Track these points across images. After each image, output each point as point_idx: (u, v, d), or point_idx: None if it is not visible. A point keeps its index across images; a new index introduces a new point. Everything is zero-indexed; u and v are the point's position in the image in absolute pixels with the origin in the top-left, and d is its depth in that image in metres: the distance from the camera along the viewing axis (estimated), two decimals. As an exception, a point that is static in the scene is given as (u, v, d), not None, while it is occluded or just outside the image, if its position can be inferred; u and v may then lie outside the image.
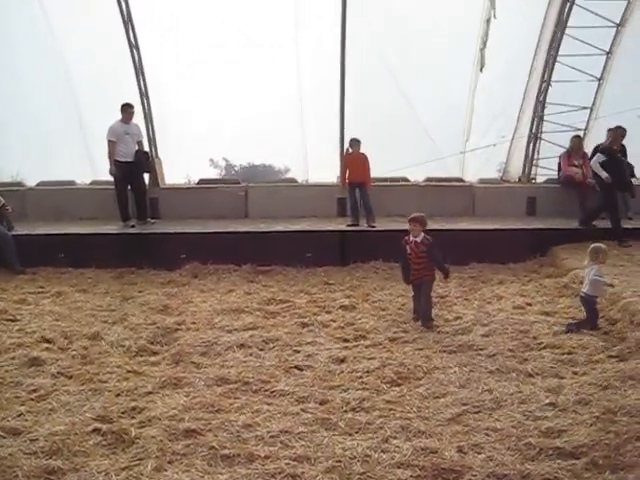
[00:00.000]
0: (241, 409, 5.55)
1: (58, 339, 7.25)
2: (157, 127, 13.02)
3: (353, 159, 11.61)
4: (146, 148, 12.35)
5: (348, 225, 11.47)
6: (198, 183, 13.32)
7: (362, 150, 11.54)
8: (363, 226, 11.42)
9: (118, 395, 5.83)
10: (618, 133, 11.38)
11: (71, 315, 8.22)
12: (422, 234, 7.76)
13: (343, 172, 11.75)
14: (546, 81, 12.78)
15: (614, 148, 11.20)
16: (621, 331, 7.28)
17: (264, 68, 12.55)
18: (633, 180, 12.39)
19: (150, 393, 5.88)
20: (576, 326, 7.43)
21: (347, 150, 11.73)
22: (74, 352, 6.89)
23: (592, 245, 7.68)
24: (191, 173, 14.01)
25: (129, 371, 6.40)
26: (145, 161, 11.98)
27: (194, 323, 7.99)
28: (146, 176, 12.22)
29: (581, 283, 8.84)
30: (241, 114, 12.68)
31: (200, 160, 13.90)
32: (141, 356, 6.90)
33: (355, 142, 11.56)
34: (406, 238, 7.90)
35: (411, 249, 7.81)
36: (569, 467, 4.53)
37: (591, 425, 5.12)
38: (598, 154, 11.05)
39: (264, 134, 12.75)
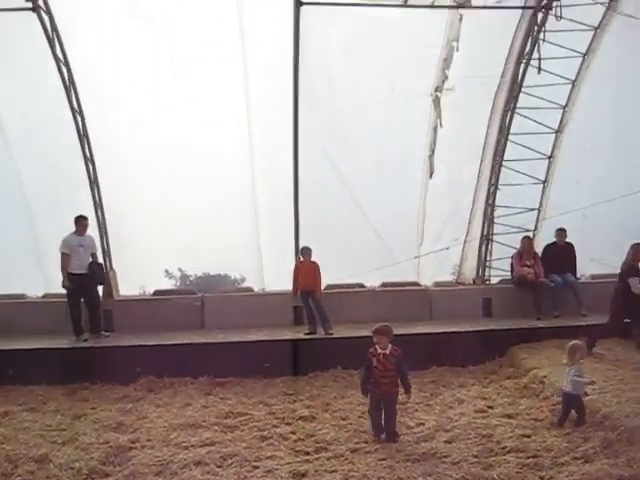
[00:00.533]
0: (198, 533, 5.27)
1: (2, 464, 6.86)
2: (111, 238, 12.97)
3: (304, 268, 11.67)
4: (100, 260, 12.23)
5: (305, 334, 11.37)
6: (153, 294, 13.17)
7: (314, 258, 11.62)
8: (320, 334, 11.35)
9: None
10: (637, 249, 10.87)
11: (17, 436, 7.80)
12: (390, 345, 7.34)
13: (294, 281, 11.76)
14: (494, 185, 13.21)
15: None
16: (584, 431, 7.22)
17: (218, 186, 12.71)
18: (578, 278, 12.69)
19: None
20: (558, 422, 7.52)
21: (299, 259, 11.82)
22: (19, 478, 6.52)
23: (570, 343, 7.72)
24: (146, 284, 13.87)
25: (78, 497, 6.06)
26: (99, 273, 11.84)
27: (149, 440, 7.68)
28: (100, 288, 12.05)
29: (541, 383, 8.89)
30: (195, 225, 12.71)
31: (155, 271, 13.77)
32: (92, 479, 6.56)
33: (306, 250, 11.69)
34: (372, 350, 7.39)
35: (378, 362, 7.29)
36: None
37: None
38: (631, 279, 10.25)
39: (219, 243, 12.75)
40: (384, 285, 13.07)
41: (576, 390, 7.48)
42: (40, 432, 8.05)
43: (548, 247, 12.83)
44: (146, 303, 12.99)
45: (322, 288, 11.96)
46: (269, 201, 12.86)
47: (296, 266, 11.91)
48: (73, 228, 11.53)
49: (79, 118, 12.24)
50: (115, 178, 12.67)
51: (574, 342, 7.74)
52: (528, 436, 7.29)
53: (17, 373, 10.13)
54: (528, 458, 6.64)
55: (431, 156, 13.09)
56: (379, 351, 7.30)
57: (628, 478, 5.92)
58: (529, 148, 12.91)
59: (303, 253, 11.72)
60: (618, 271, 10.48)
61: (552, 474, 6.22)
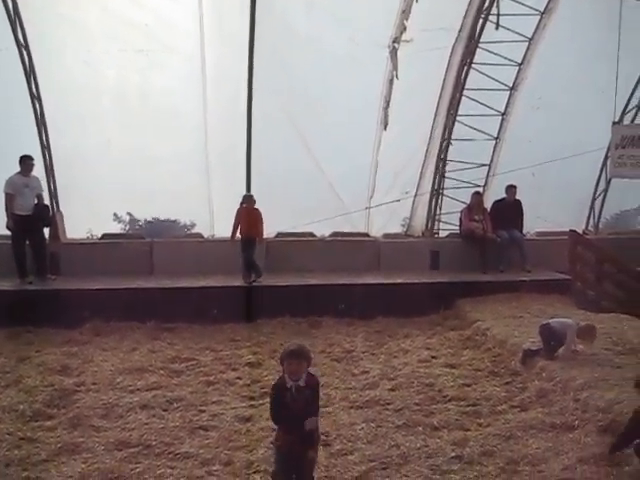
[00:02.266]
0: (143, 474, 5.35)
1: (-57, 406, 6.80)
2: (58, 179, 12.67)
3: (246, 214, 11.53)
4: (47, 202, 11.96)
5: (251, 282, 11.30)
6: (101, 238, 12.96)
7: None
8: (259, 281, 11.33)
9: (8, 465, 5.50)
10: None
11: (-41, 379, 7.74)
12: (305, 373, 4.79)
13: (234, 227, 11.60)
14: (447, 139, 13.26)
15: None
16: (522, 381, 7.49)
17: (170, 131, 12.47)
18: (524, 234, 12.97)
19: (45, 461, 5.58)
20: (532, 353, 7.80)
21: (241, 205, 11.65)
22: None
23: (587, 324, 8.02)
24: (94, 228, 13.61)
25: (22, 438, 6.06)
26: (45, 215, 11.59)
27: (94, 384, 7.69)
28: (46, 230, 11.80)
29: (484, 335, 9.13)
30: (145, 166, 12.46)
31: (103, 214, 13.50)
32: (36, 421, 6.55)
33: (248, 198, 11.59)
34: (279, 383, 4.83)
35: (293, 398, 4.69)
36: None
37: (496, 477, 5.20)
38: None
39: (169, 187, 12.57)
40: (334, 235, 13.13)
41: (563, 330, 7.79)
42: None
43: (497, 203, 13.01)
44: (94, 247, 12.78)
45: (267, 236, 11.98)
46: (222, 149, 12.68)
47: (238, 212, 11.68)
48: (18, 168, 11.22)
49: (25, 52, 11.76)
50: (64, 118, 12.29)
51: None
52: (469, 385, 7.54)
53: (-42, 316, 9.93)
54: (468, 406, 6.89)
55: (386, 108, 13.04)
56: (289, 384, 4.71)
57: (560, 425, 6.20)
58: (483, 104, 12.96)
59: (245, 200, 11.58)
60: (563, 229, 10.71)
61: (490, 421, 6.47)
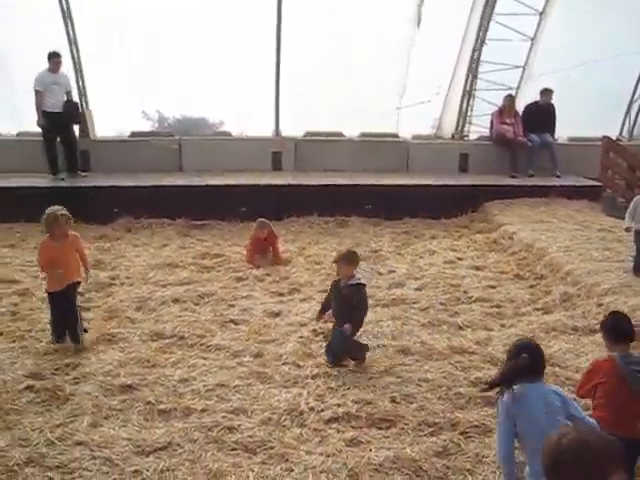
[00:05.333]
0: (177, 364, 5.58)
1: (-15, 295, 7.09)
2: (87, 77, 12.59)
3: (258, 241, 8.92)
4: (76, 99, 11.94)
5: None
6: (130, 135, 12.99)
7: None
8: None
9: (47, 354, 5.75)
10: None
11: (-1, 271, 8.02)
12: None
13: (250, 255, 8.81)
14: (481, 39, 12.88)
15: None
16: (547, 285, 7.58)
17: (199, 29, 12.18)
18: (556, 139, 12.76)
19: (85, 349, 5.82)
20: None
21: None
22: (3, 308, 6.76)
23: None
24: (123, 125, 13.62)
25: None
26: (74, 112, 11.59)
27: (128, 278, 7.93)
28: (76, 128, 11.85)
29: (510, 238, 9.17)
30: (175, 64, 12.30)
31: (132, 112, 13.48)
32: (74, 311, 6.79)
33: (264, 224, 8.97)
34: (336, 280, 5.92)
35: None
36: (495, 414, 4.74)
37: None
38: None
39: (199, 86, 12.44)
40: (363, 135, 13.01)
41: None
42: (21, 267, 8.24)
43: (529, 106, 12.74)
44: (123, 144, 12.82)
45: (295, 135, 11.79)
46: (252, 46, 12.43)
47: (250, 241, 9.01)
48: (47, 65, 11.16)
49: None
50: (92, 14, 12.06)
51: None
52: (493, 287, 7.65)
53: (-6, 211, 10.16)
54: (492, 307, 7.02)
55: (420, 5, 12.64)
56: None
57: (582, 328, 6.33)
58: (521, 2, 12.49)
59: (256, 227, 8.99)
60: (596, 134, 10.47)
61: (513, 322, 6.61)
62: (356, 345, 5.68)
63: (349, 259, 5.78)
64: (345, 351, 5.64)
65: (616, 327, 4.10)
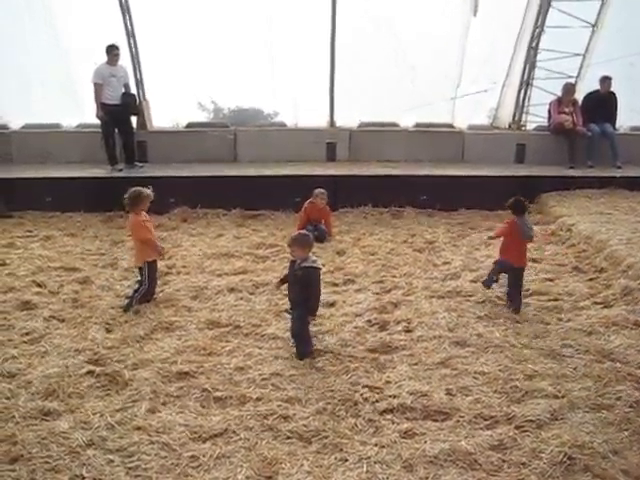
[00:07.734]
0: (233, 352, 5.63)
1: (49, 283, 7.27)
2: (144, 69, 12.79)
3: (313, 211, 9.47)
4: (133, 90, 12.16)
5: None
6: (186, 126, 13.17)
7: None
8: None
9: (110, 339, 5.89)
10: None
11: (61, 259, 8.23)
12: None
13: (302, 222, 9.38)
14: (539, 27, 12.60)
15: None
16: (607, 278, 7.39)
17: (255, 19, 12.24)
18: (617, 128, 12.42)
19: (142, 338, 5.93)
20: None
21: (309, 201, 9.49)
22: (65, 296, 6.92)
23: None
24: (179, 116, 13.83)
25: (121, 315, 6.44)
26: (132, 104, 11.81)
27: (184, 267, 8.03)
28: (133, 119, 12.07)
29: (569, 230, 8.97)
30: (230, 55, 12.41)
31: (188, 103, 13.67)
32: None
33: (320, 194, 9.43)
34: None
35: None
36: (550, 408, 4.67)
37: (574, 369, 5.27)
38: None
39: (254, 77, 12.54)
40: (418, 125, 12.91)
41: None
42: (81, 255, 8.46)
43: (589, 95, 12.45)
44: (179, 135, 13.03)
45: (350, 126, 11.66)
46: (307, 37, 12.43)
47: (305, 208, 9.56)
48: (105, 58, 11.37)
49: None
50: (149, 6, 12.24)
51: None
52: (551, 280, 7.50)
53: (55, 200, 10.42)
54: (549, 301, 6.87)
55: (477, -7, 12.47)
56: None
57: (644, 323, 6.15)
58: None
59: (316, 195, 9.43)
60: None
61: (571, 317, 6.45)
62: (305, 340, 5.65)
63: (301, 243, 5.69)
64: (294, 335, 5.67)
65: (517, 205, 6.75)
